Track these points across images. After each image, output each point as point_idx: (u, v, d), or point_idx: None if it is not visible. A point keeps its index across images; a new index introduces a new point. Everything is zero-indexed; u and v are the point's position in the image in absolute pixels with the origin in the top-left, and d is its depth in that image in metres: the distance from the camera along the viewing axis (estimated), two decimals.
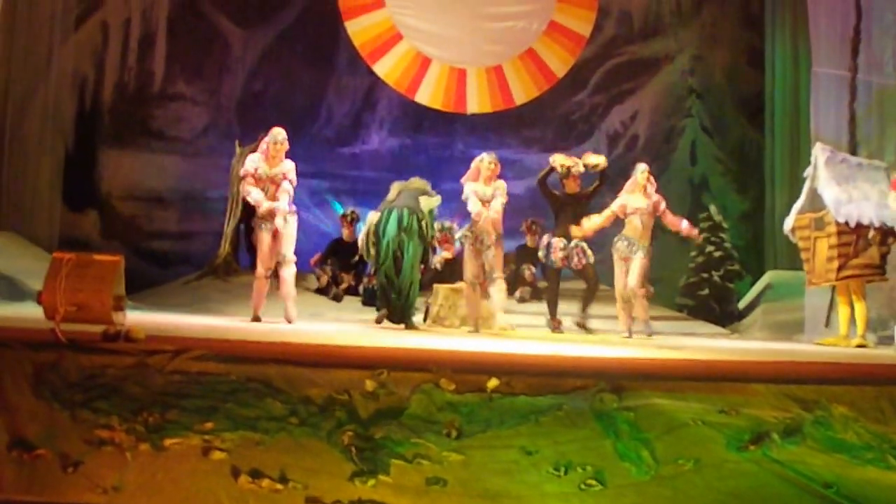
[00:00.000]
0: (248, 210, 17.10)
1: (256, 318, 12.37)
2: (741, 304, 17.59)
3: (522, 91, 19.02)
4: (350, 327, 12.65)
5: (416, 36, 18.89)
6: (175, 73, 19.13)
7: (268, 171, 12.44)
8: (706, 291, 17.41)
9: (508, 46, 19.08)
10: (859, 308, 13.44)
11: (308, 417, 6.34)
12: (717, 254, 17.62)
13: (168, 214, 18.87)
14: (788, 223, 14.16)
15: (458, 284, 14.21)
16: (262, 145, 12.66)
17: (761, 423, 7.02)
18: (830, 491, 6.59)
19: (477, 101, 18.89)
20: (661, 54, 20.08)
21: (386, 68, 18.92)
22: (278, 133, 12.52)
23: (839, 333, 13.65)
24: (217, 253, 17.17)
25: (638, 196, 13.45)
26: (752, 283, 17.76)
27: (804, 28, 16.61)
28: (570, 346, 10.57)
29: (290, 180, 12.44)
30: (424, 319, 14.04)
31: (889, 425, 7.27)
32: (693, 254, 17.63)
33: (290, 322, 12.26)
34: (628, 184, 13.59)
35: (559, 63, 19.06)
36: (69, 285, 7.23)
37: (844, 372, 9.63)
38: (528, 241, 17.32)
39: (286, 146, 12.52)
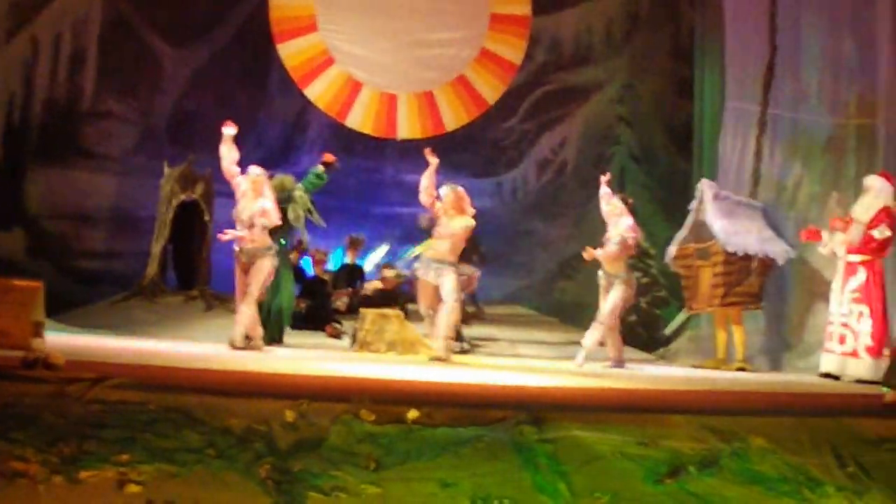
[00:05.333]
0: (177, 231, 17.15)
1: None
2: (668, 331, 17.70)
3: (453, 117, 19.06)
4: (276, 352, 12.67)
5: (347, 60, 18.85)
6: (106, 90, 18.97)
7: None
8: (633, 317, 17.44)
9: (440, 73, 19.10)
10: (739, 333, 14.39)
11: (226, 449, 6.27)
12: (644, 280, 17.70)
13: (96, 233, 18.72)
14: (671, 252, 15.00)
15: (387, 310, 14.30)
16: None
17: (679, 455, 7.01)
18: None
19: (407, 127, 18.88)
20: (591, 83, 20.24)
21: (317, 92, 18.86)
22: None
23: (717, 357, 14.52)
24: (145, 273, 17.07)
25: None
26: (679, 310, 17.87)
27: None
28: (493, 374, 10.62)
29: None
30: (352, 344, 14.06)
31: (806, 457, 7.27)
32: None
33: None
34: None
35: (490, 90, 19.12)
36: None
37: (763, 402, 9.75)
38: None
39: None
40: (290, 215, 13.88)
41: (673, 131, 19.87)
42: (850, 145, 15.03)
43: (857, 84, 15.13)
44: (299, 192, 14.15)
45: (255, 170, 12.79)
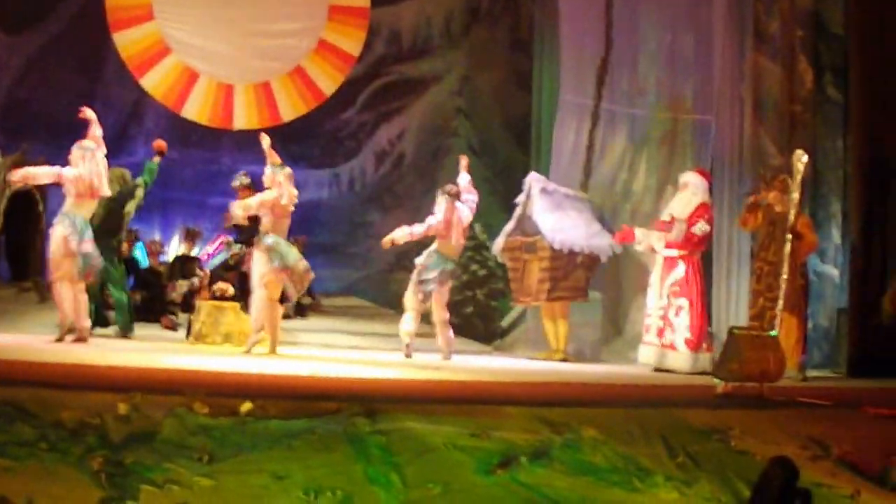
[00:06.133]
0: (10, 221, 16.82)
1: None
2: (504, 322, 17.85)
3: (290, 108, 18.93)
4: (108, 344, 12.55)
5: (184, 50, 18.60)
6: None
7: None
8: (470, 309, 17.61)
9: (277, 63, 18.94)
10: (563, 326, 14.70)
11: (58, 442, 6.23)
12: (482, 272, 17.87)
13: None
14: (499, 244, 15.29)
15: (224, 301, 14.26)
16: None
17: (511, 446, 7.14)
18: None
19: (244, 118, 18.69)
20: (429, 74, 20.21)
21: (153, 82, 18.56)
22: None
23: (550, 349, 14.79)
24: None
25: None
26: None
27: None
28: (326, 366, 10.67)
29: None
30: (187, 336, 13.99)
31: (636, 447, 7.47)
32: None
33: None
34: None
35: (328, 81, 19.04)
36: None
37: (595, 394, 9.97)
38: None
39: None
40: (126, 210, 13.84)
41: (512, 124, 19.97)
42: (685, 140, 15.37)
43: (693, 80, 15.45)
44: (140, 192, 14.09)
45: (84, 142, 12.81)
